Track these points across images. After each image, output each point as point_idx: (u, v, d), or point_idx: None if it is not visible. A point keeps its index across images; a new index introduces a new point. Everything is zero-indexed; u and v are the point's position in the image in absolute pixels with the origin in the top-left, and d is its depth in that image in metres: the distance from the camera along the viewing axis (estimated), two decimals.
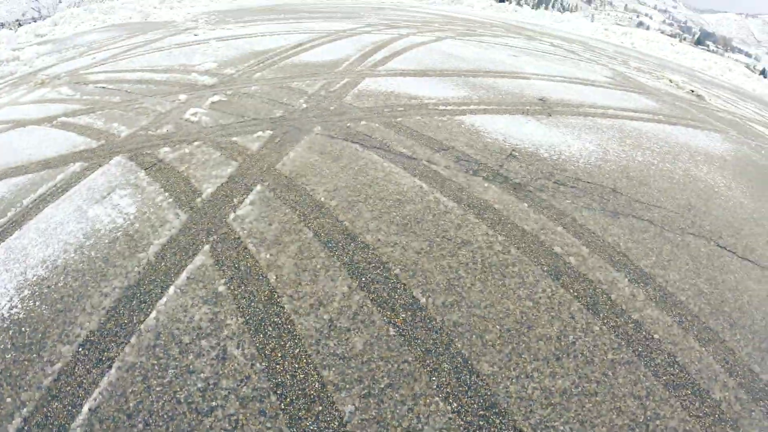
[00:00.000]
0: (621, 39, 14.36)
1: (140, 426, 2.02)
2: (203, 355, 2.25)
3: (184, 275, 2.66)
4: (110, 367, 2.23)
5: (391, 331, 2.37)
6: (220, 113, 4.76)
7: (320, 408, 2.07)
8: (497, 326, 2.45)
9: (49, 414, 2.08)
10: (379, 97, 5.29)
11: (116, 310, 2.49)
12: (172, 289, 2.58)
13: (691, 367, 2.39)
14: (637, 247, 3.15)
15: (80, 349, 2.31)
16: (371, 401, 2.10)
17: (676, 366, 2.38)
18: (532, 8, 19.05)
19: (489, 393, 2.15)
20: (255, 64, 6.63)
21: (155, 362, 2.23)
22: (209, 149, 3.98)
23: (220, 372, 2.18)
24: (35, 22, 13.52)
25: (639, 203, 3.67)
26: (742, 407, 2.26)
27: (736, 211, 3.91)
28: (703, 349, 2.50)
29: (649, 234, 3.32)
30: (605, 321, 2.55)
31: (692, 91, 8.06)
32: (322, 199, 3.31)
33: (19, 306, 2.56)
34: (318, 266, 2.72)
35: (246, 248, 2.84)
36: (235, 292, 2.55)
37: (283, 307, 2.47)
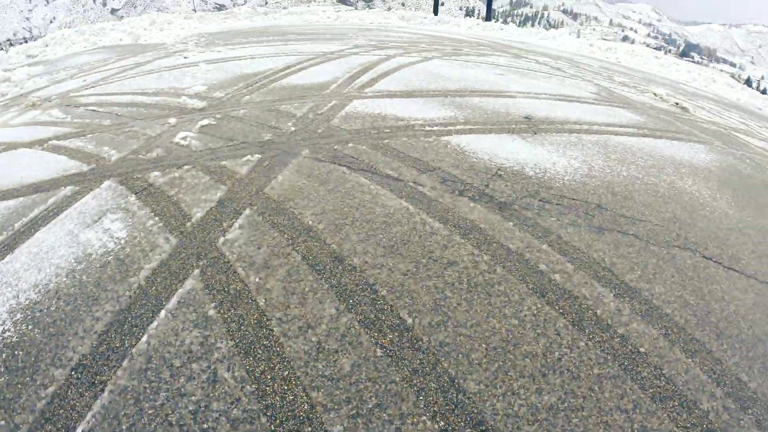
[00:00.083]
0: (606, 54, 14.51)
1: None
2: (194, 378, 2.27)
3: (174, 299, 2.69)
4: (103, 390, 2.24)
5: (379, 352, 2.40)
6: (209, 137, 4.81)
7: (309, 429, 2.09)
8: (483, 345, 2.48)
9: None
10: (367, 119, 5.35)
11: (108, 334, 2.51)
12: (163, 313, 2.60)
13: (678, 378, 2.43)
14: (623, 262, 3.20)
15: (73, 373, 2.33)
16: (359, 421, 2.12)
17: (662, 378, 2.41)
18: (518, 26, 19.26)
19: (476, 411, 2.18)
20: (244, 87, 6.69)
21: (147, 385, 2.25)
22: (199, 173, 4.02)
23: (211, 395, 2.20)
24: (26, 42, 13.57)
25: (624, 218, 3.72)
26: (731, 416, 2.29)
27: (722, 221, 3.97)
28: (690, 360, 2.54)
29: (634, 248, 3.37)
30: (591, 336, 2.59)
31: (677, 104, 8.15)
32: (310, 222, 3.35)
33: (12, 330, 2.57)
34: (306, 289, 2.76)
35: (235, 272, 2.87)
36: (225, 316, 2.58)
37: (272, 330, 2.50)
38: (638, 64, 13.78)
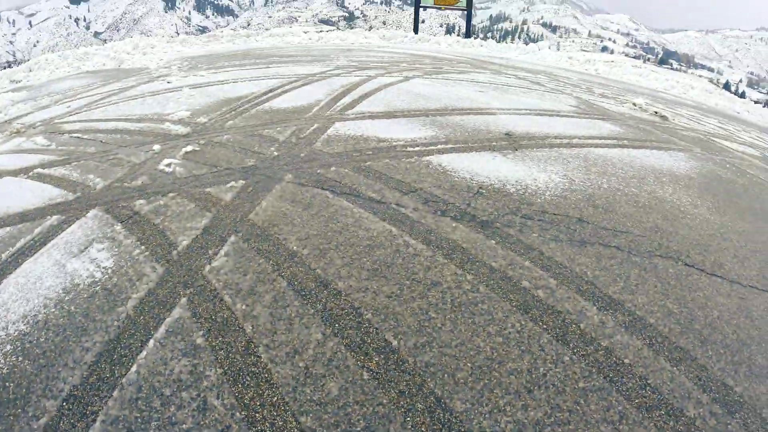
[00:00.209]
0: (585, 66, 14.70)
1: None
2: (184, 406, 2.29)
3: (162, 328, 2.70)
4: (95, 420, 2.25)
5: (366, 375, 2.43)
6: (193, 163, 4.83)
7: None
8: (468, 364, 2.52)
9: None
10: (349, 141, 5.40)
11: (98, 365, 2.52)
12: (151, 343, 2.62)
13: (664, 387, 2.46)
14: (605, 275, 3.25)
15: (64, 404, 2.33)
16: None
17: (648, 388, 2.45)
18: (498, 41, 19.49)
19: (463, 430, 2.21)
20: (227, 111, 6.73)
21: (138, 415, 2.26)
22: (184, 201, 4.04)
23: (202, 422, 2.22)
24: (10, 66, 13.58)
25: (605, 230, 3.78)
26: (718, 421, 2.33)
27: (703, 228, 4.04)
28: (675, 368, 2.58)
29: (616, 260, 3.42)
30: (575, 351, 2.63)
31: (656, 113, 8.28)
32: (295, 248, 3.38)
33: (2, 361, 2.58)
34: (292, 315, 2.78)
35: (222, 300, 2.89)
36: (213, 344, 2.60)
37: (260, 357, 2.52)
38: (617, 74, 13.98)
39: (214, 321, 2.74)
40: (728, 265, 3.56)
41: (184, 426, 2.21)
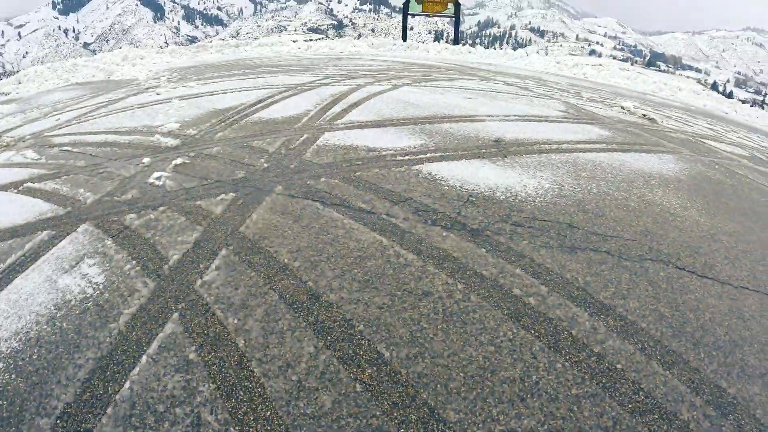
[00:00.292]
0: (573, 70, 14.79)
1: None
2: (178, 422, 2.28)
3: (155, 344, 2.69)
4: None
5: (358, 388, 2.43)
6: (183, 176, 4.83)
7: None
8: (461, 373, 2.52)
9: None
10: (338, 151, 5.41)
11: (91, 381, 2.51)
12: (144, 359, 2.61)
13: (657, 391, 2.47)
14: (596, 280, 3.26)
15: (58, 422, 2.32)
16: None
17: (641, 393, 2.45)
18: (486, 47, 19.59)
19: None
20: (217, 123, 6.73)
21: None
22: (174, 214, 4.03)
23: None
24: None
25: (596, 235, 3.79)
26: (712, 424, 2.34)
27: (693, 230, 4.06)
28: (668, 372, 2.59)
29: (607, 265, 3.43)
30: (567, 357, 2.63)
31: (644, 116, 8.33)
32: (286, 260, 3.38)
33: None
34: (284, 328, 2.78)
35: (214, 314, 2.89)
36: (206, 359, 2.59)
37: (253, 371, 2.52)
38: (605, 77, 14.07)
39: (207, 336, 2.73)
40: (719, 266, 3.58)
41: None
